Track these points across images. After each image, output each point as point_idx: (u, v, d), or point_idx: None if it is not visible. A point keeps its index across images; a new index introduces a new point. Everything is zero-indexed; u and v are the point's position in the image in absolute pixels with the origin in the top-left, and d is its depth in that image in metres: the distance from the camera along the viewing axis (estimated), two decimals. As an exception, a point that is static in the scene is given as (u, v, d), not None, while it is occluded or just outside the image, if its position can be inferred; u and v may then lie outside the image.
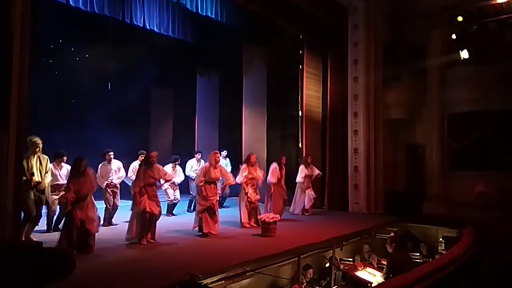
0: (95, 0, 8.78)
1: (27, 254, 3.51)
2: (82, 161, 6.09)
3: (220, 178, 7.78)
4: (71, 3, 8.33)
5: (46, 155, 6.87)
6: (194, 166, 10.17)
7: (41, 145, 6.60)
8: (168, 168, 9.16)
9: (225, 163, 10.29)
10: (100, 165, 8.22)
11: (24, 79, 5.22)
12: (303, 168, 10.08)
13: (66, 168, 7.45)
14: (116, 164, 8.39)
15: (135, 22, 9.75)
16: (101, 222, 7.91)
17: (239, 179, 8.39)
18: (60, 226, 7.26)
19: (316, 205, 10.50)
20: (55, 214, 7.41)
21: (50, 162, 6.96)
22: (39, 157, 6.61)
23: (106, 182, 8.15)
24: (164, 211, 8.21)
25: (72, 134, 9.68)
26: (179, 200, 9.70)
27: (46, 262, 3.97)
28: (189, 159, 10.42)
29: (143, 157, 8.15)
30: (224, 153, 10.61)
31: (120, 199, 8.51)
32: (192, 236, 7.28)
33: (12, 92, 5.02)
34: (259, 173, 8.58)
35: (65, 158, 7.53)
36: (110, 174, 8.24)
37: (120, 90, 12.09)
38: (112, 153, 8.32)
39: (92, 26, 10.32)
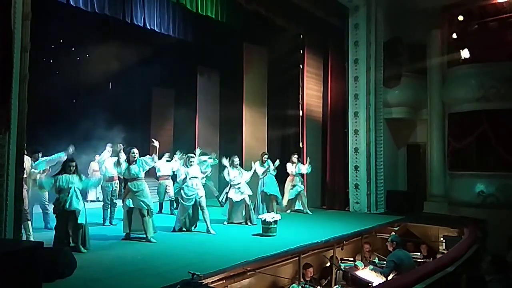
0: (95, 0, 8.76)
1: (28, 254, 3.51)
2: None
3: None
4: (71, 2, 8.30)
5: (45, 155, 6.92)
6: None
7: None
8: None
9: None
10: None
11: (24, 79, 5.23)
12: (290, 165, 10.07)
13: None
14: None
15: (135, 22, 9.73)
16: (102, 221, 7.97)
17: None
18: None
19: (316, 204, 10.47)
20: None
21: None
22: None
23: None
24: (156, 209, 8.12)
25: (72, 134, 9.67)
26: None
27: (47, 262, 3.97)
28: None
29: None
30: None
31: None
32: (193, 235, 7.28)
33: (13, 92, 5.03)
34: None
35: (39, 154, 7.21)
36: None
37: (121, 90, 12.08)
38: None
39: (93, 26, 10.31)
